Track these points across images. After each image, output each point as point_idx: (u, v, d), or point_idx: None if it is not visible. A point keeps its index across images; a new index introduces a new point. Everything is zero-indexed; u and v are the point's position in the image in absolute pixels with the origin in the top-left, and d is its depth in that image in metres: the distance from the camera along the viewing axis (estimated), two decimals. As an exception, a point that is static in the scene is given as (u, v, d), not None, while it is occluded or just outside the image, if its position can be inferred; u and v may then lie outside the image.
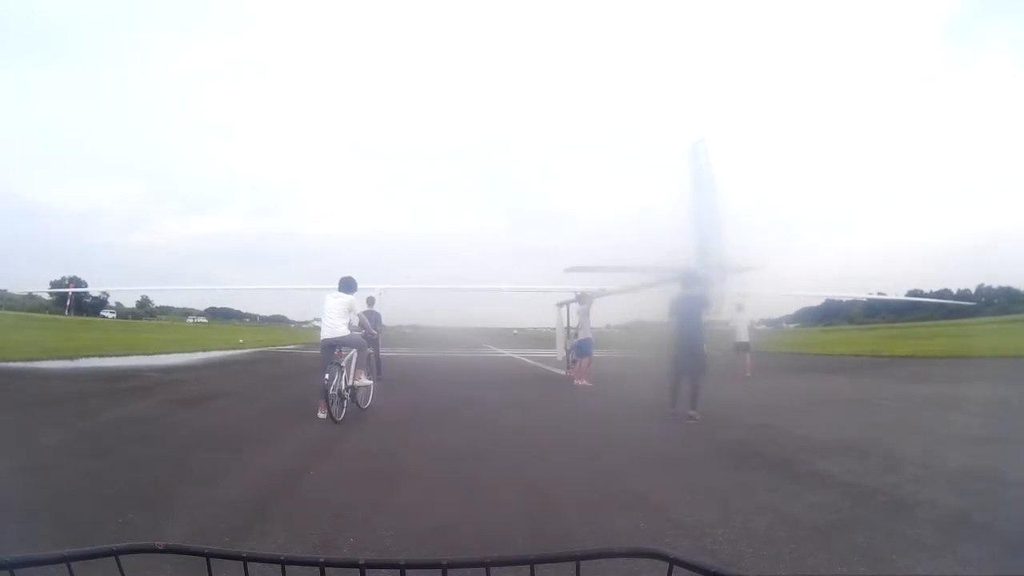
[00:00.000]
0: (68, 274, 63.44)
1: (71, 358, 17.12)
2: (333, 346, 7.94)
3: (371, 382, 8.60)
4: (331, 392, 7.38)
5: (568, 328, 16.18)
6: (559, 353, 18.51)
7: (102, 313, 60.72)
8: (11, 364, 14.38)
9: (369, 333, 9.07)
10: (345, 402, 7.69)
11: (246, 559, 0.83)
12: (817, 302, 58.83)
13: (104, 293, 67.56)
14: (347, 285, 8.23)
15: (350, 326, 8.16)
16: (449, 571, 0.79)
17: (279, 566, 0.84)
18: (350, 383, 7.95)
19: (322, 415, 7.38)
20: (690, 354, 8.13)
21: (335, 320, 7.93)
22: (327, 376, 7.41)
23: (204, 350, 24.47)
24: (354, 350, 8.21)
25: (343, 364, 7.86)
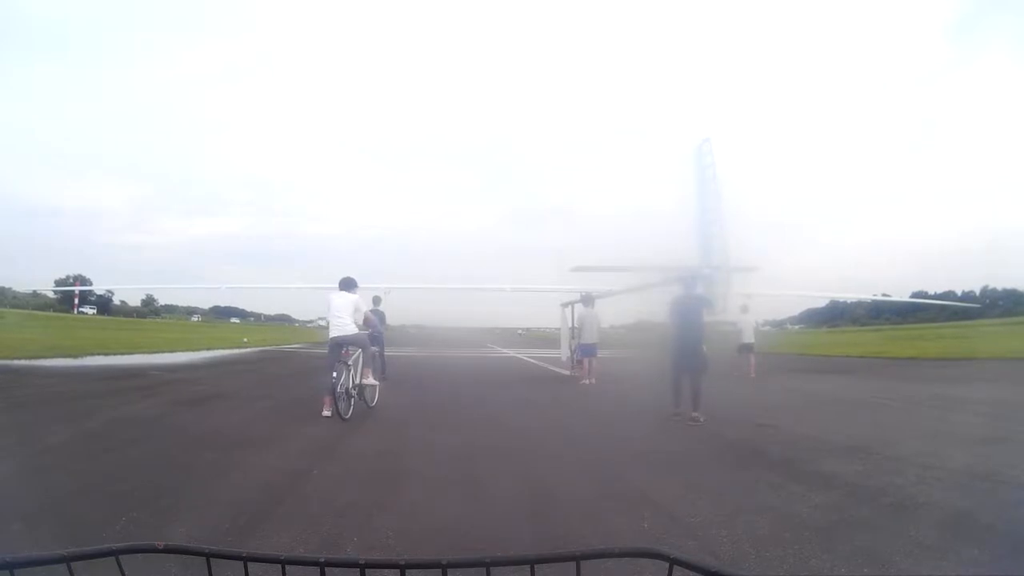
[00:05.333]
0: (73, 272, 63.70)
1: (75, 356, 17.20)
2: (341, 345, 7.95)
3: (378, 382, 8.59)
4: (339, 390, 7.42)
5: (572, 328, 16.18)
6: (563, 353, 18.52)
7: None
8: (13, 362, 14.47)
9: (376, 331, 9.06)
10: (352, 400, 7.76)
11: (246, 559, 0.83)
12: (821, 303, 58.82)
13: (109, 292, 67.83)
14: (348, 284, 8.25)
15: (357, 324, 8.16)
16: (449, 571, 0.79)
17: (279, 566, 0.83)
18: (357, 381, 8.01)
19: (327, 413, 7.42)
20: (689, 354, 8.08)
21: (343, 319, 7.94)
22: (335, 375, 7.46)
23: (208, 349, 24.57)
24: (360, 350, 8.24)
25: (351, 363, 7.91)
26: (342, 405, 7.43)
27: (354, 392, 7.87)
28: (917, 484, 4.58)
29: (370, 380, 8.32)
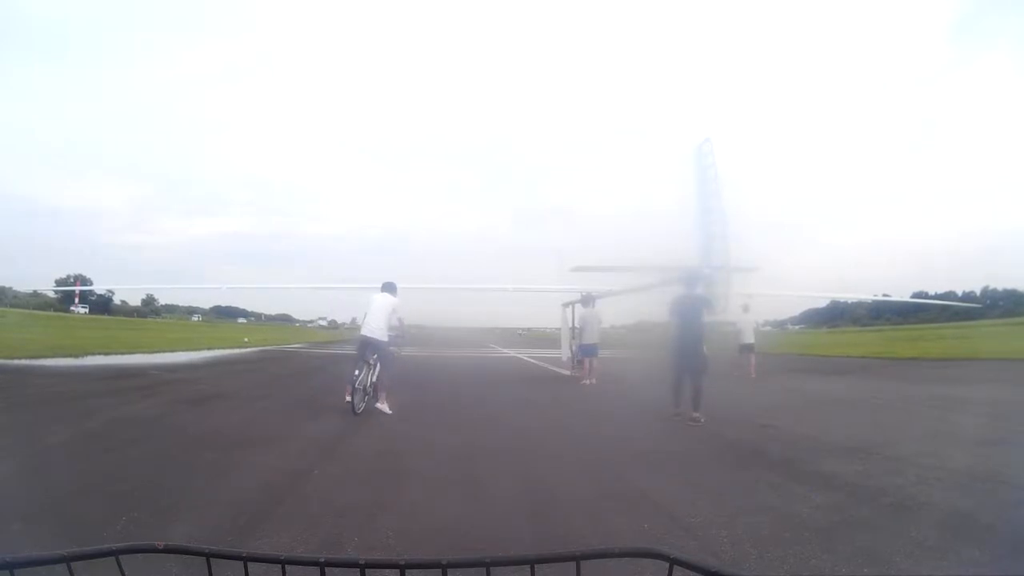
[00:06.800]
0: (73, 272, 63.56)
1: (75, 356, 17.19)
2: (367, 345, 8.30)
3: (390, 411, 8.28)
4: (356, 386, 7.91)
5: (573, 328, 16.17)
6: (564, 353, 18.51)
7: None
8: (15, 362, 14.47)
9: (403, 335, 9.20)
10: (367, 397, 8.16)
11: (246, 559, 0.83)
12: (822, 303, 58.68)
13: (109, 291, 67.74)
14: (389, 287, 8.74)
15: (389, 327, 8.51)
16: (449, 571, 0.79)
17: (279, 566, 0.83)
18: (374, 380, 8.34)
19: (348, 398, 7.89)
20: (689, 355, 8.06)
21: (378, 320, 8.37)
22: (356, 372, 7.98)
23: (209, 349, 24.57)
24: (377, 362, 8.44)
25: (372, 362, 8.31)
26: (357, 398, 7.87)
27: (370, 390, 8.25)
28: (917, 484, 4.58)
29: (384, 406, 8.21)
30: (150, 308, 77.11)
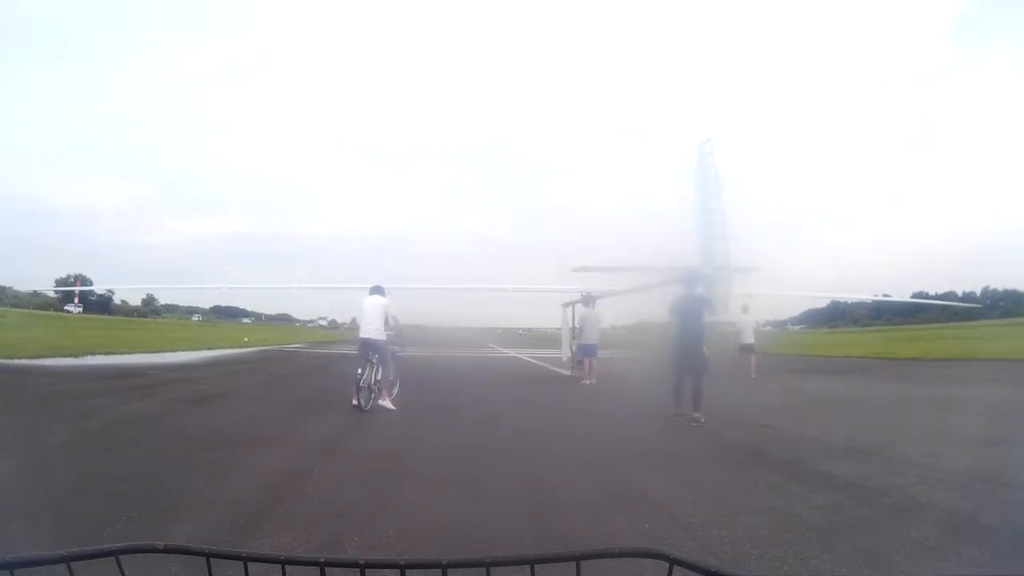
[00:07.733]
0: (74, 272, 63.45)
1: (75, 356, 17.18)
2: (367, 346, 8.59)
3: (393, 407, 8.55)
4: (361, 384, 8.21)
5: (573, 328, 16.17)
6: (564, 353, 18.49)
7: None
8: (15, 361, 14.47)
9: (400, 334, 9.54)
10: (372, 395, 8.50)
11: (246, 559, 0.83)
12: (822, 303, 58.68)
13: (109, 291, 67.70)
14: (377, 289, 9.15)
15: (386, 326, 8.80)
16: (449, 571, 0.79)
17: (279, 566, 0.83)
18: (378, 378, 8.61)
19: (355, 402, 8.16)
20: (689, 355, 8.06)
21: (374, 321, 8.67)
22: (360, 371, 8.28)
23: (209, 348, 24.57)
24: (379, 361, 8.67)
25: (374, 361, 8.57)
26: (363, 396, 8.18)
27: (375, 388, 8.50)
28: (917, 485, 4.57)
29: (387, 403, 8.58)
30: (150, 308, 77.12)
